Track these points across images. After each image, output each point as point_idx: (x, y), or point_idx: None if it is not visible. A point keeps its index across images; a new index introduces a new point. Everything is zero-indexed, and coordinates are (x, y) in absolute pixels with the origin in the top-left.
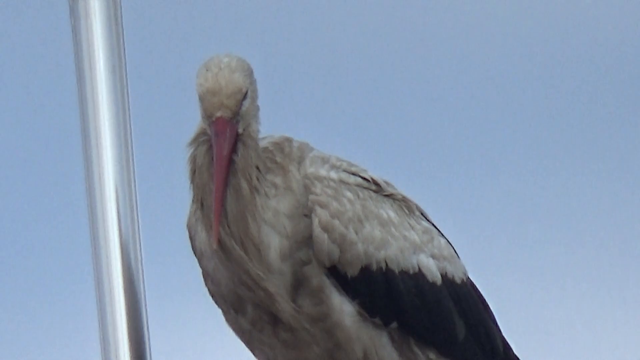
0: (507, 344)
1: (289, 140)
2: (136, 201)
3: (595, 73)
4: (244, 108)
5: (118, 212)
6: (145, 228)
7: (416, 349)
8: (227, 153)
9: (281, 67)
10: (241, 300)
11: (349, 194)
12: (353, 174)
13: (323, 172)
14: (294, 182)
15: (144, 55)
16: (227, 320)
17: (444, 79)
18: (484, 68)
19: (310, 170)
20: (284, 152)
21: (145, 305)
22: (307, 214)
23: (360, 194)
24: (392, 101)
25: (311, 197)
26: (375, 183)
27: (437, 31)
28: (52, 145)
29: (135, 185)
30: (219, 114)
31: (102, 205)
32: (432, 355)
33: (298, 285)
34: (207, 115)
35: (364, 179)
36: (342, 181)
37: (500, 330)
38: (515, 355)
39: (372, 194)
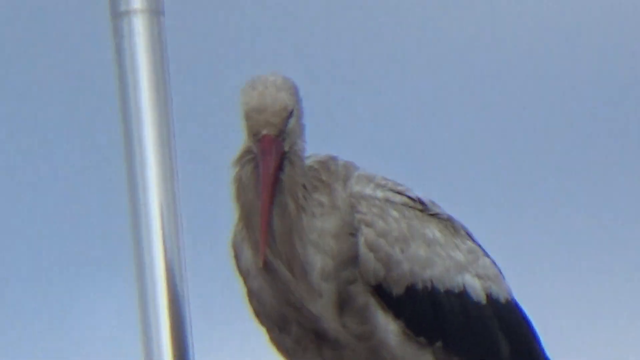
0: None
1: (333, 158)
2: (181, 221)
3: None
4: (289, 126)
5: (163, 232)
6: (190, 247)
7: None
8: (274, 171)
9: (323, 85)
10: (285, 319)
11: (394, 213)
12: (399, 192)
13: (369, 191)
14: (340, 201)
15: (187, 75)
16: (271, 339)
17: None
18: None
19: (356, 189)
20: (330, 171)
21: (190, 324)
22: (353, 233)
23: (406, 213)
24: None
25: (357, 215)
26: (421, 202)
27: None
28: (96, 163)
29: (179, 201)
30: (265, 132)
31: (147, 226)
32: None
33: (343, 304)
34: (253, 134)
35: (410, 198)
36: (387, 200)
37: (544, 351)
38: None
39: (418, 213)
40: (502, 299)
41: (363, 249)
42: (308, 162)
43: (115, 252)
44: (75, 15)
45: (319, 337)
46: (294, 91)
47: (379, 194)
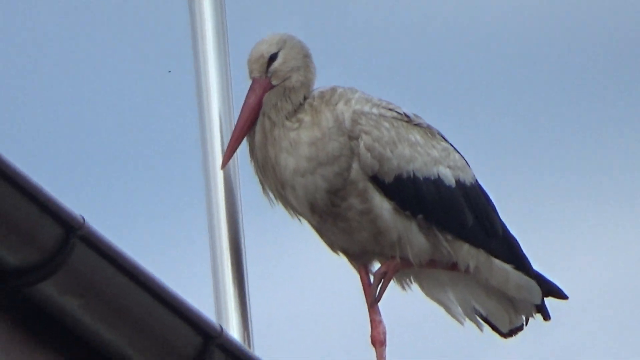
0: (506, 228)
1: (334, 89)
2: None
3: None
4: (272, 68)
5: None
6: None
7: (437, 233)
8: (251, 101)
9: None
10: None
11: (386, 124)
12: (390, 109)
13: (367, 108)
14: (324, 120)
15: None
16: (304, 217)
17: None
18: None
19: (357, 107)
20: (323, 98)
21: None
22: (354, 138)
23: (395, 124)
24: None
25: (358, 126)
26: (407, 116)
27: None
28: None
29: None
30: (251, 75)
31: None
32: (449, 237)
33: (341, 189)
34: (249, 78)
35: (398, 113)
36: (381, 115)
37: (500, 219)
38: (512, 235)
39: (404, 123)
40: (468, 183)
41: (363, 150)
42: (314, 92)
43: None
44: None
45: (334, 215)
46: (279, 42)
47: (375, 110)
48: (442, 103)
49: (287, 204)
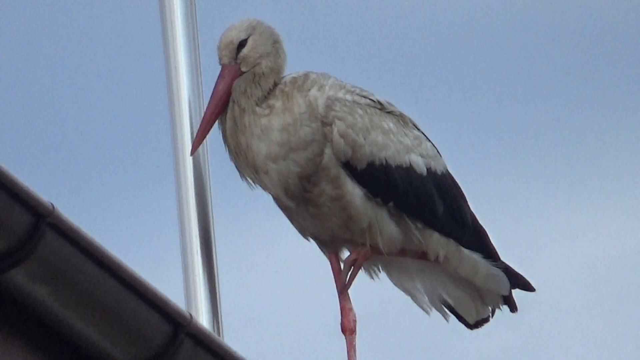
0: (475, 218)
1: (307, 74)
2: None
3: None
4: (241, 54)
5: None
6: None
7: (408, 221)
8: (221, 88)
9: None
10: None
11: (359, 111)
12: (363, 96)
13: (341, 95)
14: (295, 106)
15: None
16: (275, 202)
17: None
18: None
19: (331, 93)
20: (295, 84)
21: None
22: (327, 124)
23: (368, 110)
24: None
25: (332, 112)
26: (380, 103)
27: None
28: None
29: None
30: (221, 62)
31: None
32: (419, 225)
33: (313, 174)
34: (219, 64)
35: (372, 100)
36: (355, 102)
37: (470, 208)
38: (481, 226)
39: (377, 110)
40: (439, 172)
41: (336, 136)
42: (286, 77)
43: None
44: None
45: (306, 200)
46: (248, 28)
47: (349, 97)
48: (414, 90)
49: (265, 187)
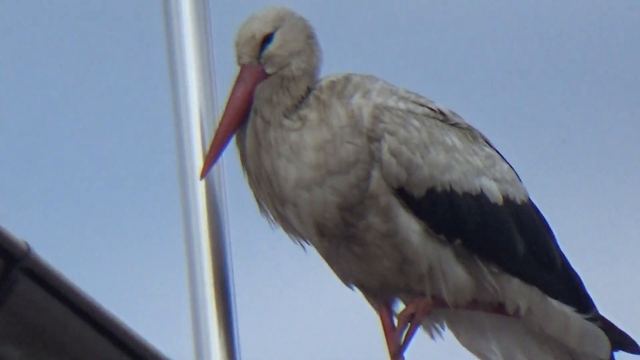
0: (566, 259)
1: (348, 77)
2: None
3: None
4: (265, 52)
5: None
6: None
7: (480, 263)
8: (240, 94)
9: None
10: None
11: (416, 123)
12: (420, 104)
13: (391, 102)
14: (334, 117)
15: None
16: (310, 242)
17: None
18: None
19: (379, 100)
20: (334, 90)
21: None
22: (375, 140)
23: (427, 122)
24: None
25: (380, 125)
26: (442, 113)
27: None
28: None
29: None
30: (241, 61)
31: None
32: (494, 269)
33: (357, 205)
34: (237, 63)
35: (431, 109)
36: (409, 111)
37: (559, 248)
38: (573, 270)
39: (439, 122)
40: (519, 201)
41: (386, 155)
42: (322, 81)
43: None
44: None
45: (349, 236)
46: (275, 19)
47: (402, 105)
48: (478, 98)
49: (287, 225)
